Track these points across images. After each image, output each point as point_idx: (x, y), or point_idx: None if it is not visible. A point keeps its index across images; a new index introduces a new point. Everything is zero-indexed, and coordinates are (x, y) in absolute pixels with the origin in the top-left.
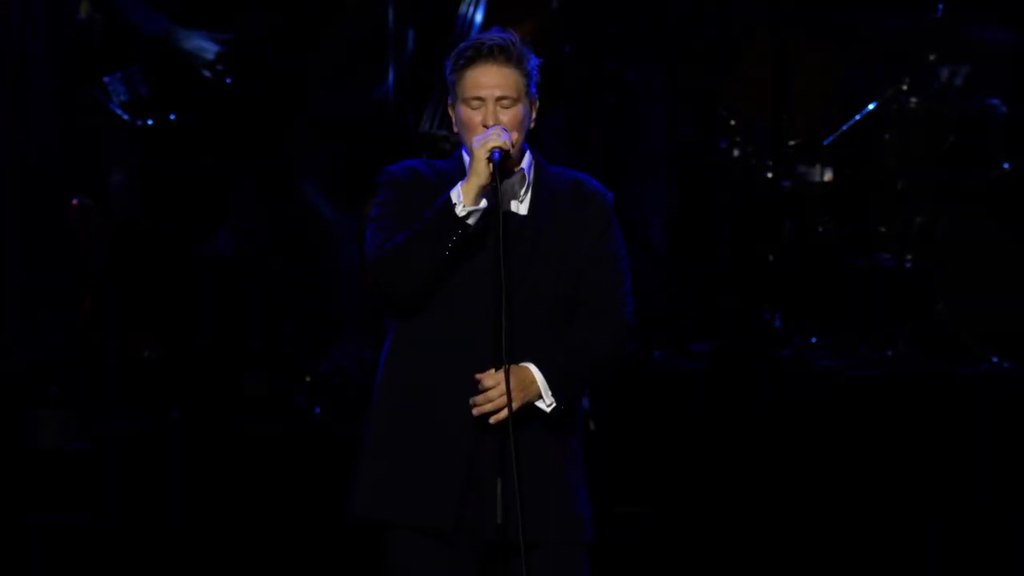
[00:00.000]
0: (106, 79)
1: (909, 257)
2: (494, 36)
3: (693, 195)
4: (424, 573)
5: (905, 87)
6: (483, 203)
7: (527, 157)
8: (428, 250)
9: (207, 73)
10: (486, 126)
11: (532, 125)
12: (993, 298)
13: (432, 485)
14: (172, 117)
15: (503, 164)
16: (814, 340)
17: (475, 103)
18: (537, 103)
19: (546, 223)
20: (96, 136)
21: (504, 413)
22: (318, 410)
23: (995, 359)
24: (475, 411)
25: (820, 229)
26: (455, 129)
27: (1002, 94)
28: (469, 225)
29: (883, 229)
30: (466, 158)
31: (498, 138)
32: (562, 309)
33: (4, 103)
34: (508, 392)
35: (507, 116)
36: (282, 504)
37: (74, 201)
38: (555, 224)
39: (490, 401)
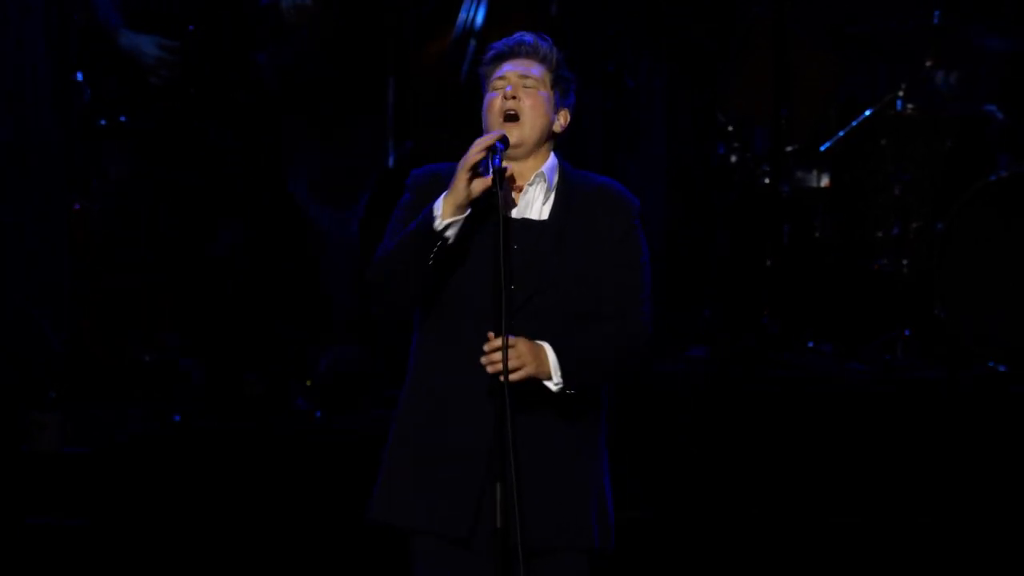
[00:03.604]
0: (78, 76)
1: (906, 262)
2: (524, 34)
3: (691, 200)
4: None
5: (902, 92)
6: (466, 212)
7: (550, 160)
8: (411, 261)
9: (153, 79)
10: (505, 98)
11: (560, 130)
12: (991, 302)
13: (450, 492)
14: (123, 119)
15: (510, 150)
16: (811, 345)
17: (498, 83)
18: (568, 113)
19: (568, 228)
20: (95, 136)
21: (522, 373)
22: (319, 413)
23: (992, 363)
24: (490, 368)
25: (818, 234)
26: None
27: (998, 99)
28: (447, 238)
29: (880, 234)
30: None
31: (478, 153)
32: (584, 315)
33: (3, 103)
34: (505, 360)
35: (529, 98)
36: (282, 505)
37: (75, 206)
38: (577, 229)
39: (497, 358)
